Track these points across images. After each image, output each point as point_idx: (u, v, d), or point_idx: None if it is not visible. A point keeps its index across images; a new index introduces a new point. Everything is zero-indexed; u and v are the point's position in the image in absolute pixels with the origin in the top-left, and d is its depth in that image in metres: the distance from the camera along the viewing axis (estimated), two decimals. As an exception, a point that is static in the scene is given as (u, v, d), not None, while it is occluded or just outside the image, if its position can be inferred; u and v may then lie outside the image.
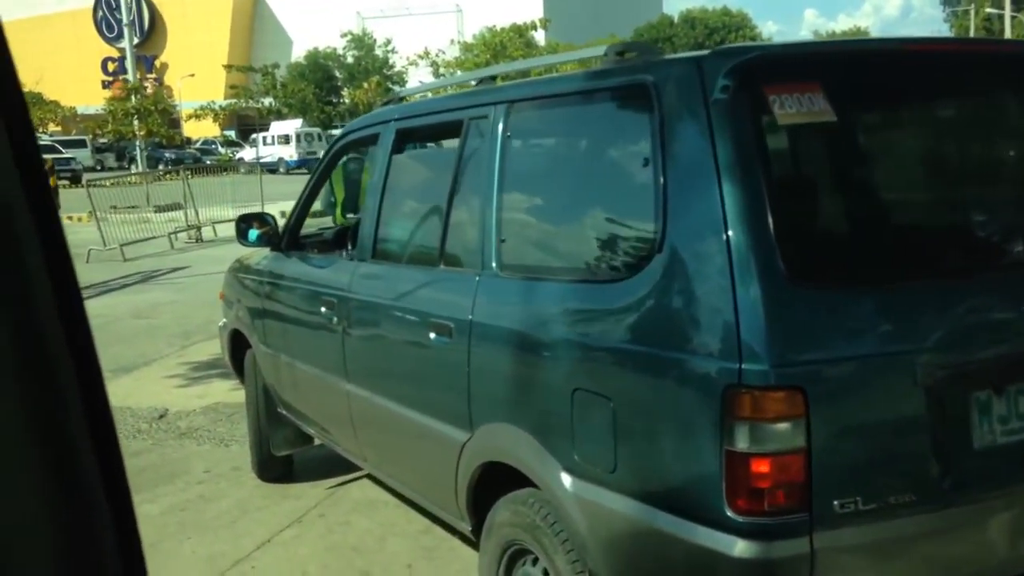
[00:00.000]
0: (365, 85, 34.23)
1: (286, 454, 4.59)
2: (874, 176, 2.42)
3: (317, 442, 4.55)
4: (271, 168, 21.24)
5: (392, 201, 3.44)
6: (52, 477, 0.54)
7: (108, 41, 59.05)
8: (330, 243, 4.49)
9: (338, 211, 7.11)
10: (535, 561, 2.63)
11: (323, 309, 3.67)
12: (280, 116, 46.96)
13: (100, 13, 60.51)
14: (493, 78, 3.08)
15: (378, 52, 51.91)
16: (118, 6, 48.37)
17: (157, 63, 59.20)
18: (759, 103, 2.05)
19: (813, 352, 1.95)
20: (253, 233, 4.26)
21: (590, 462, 2.28)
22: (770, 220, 1.94)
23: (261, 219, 4.31)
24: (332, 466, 4.83)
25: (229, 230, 17.10)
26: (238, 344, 4.79)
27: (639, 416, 2.16)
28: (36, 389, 0.54)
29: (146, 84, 36.84)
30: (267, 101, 47.81)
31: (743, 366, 1.88)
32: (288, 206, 19.34)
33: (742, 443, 1.90)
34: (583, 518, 2.31)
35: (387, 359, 3.32)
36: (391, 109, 3.62)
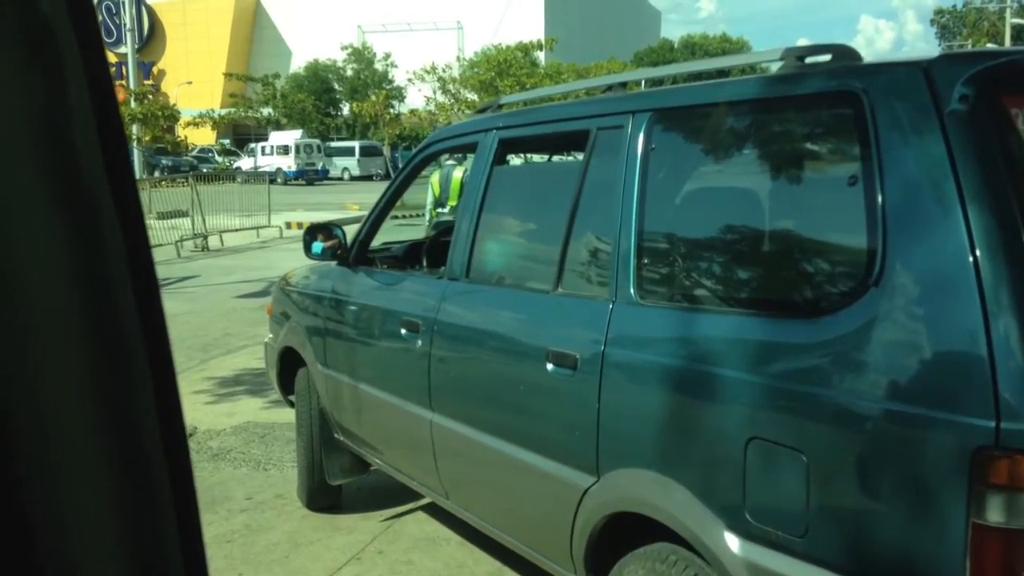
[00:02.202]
0: (373, 97, 33.93)
1: (340, 483, 4.27)
2: None
3: (372, 469, 4.25)
4: (269, 178, 20.87)
5: (493, 217, 3.15)
6: (122, 480, 0.53)
7: (107, 46, 58.56)
8: (402, 259, 4.19)
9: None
10: (673, 626, 2.33)
11: (403, 331, 3.37)
12: (279, 126, 46.73)
13: (100, 18, 59.97)
14: (624, 85, 2.80)
15: (378, 66, 51.81)
16: (118, 11, 48.11)
17: (155, 69, 58.77)
18: (1001, 116, 1.79)
19: None
20: (317, 246, 3.95)
21: (768, 523, 1.98)
22: None
23: (327, 231, 4.00)
24: (381, 497, 4.54)
25: (236, 239, 16.92)
26: (287, 363, 4.47)
27: (846, 476, 1.86)
28: (116, 390, 0.52)
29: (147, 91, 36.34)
30: (266, 111, 47.67)
31: (1002, 425, 1.60)
32: (292, 216, 19.28)
33: (995, 516, 1.61)
34: (756, 586, 2.02)
35: (486, 390, 3.01)
36: (492, 117, 3.33)
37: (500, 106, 3.44)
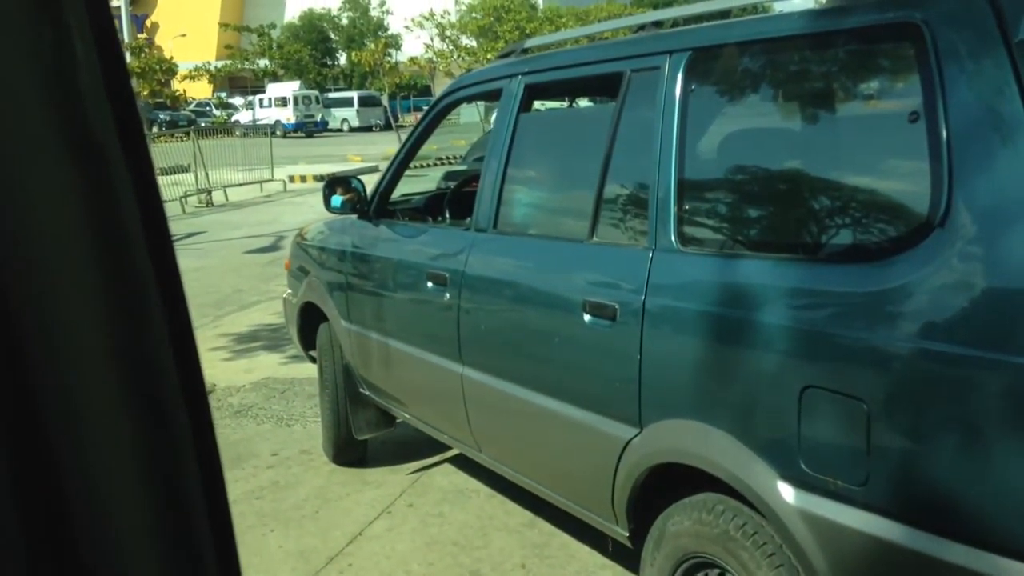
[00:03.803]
0: (372, 46, 33.38)
1: (367, 437, 4.25)
2: None
3: (397, 422, 4.23)
4: (269, 131, 20.62)
5: (520, 166, 3.06)
6: (144, 432, 0.52)
7: (100, 0, 57.50)
8: (422, 211, 4.11)
9: None
10: (721, 575, 2.32)
11: (430, 284, 3.31)
12: (276, 78, 46.18)
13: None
14: (659, 23, 2.69)
15: (374, 13, 50.99)
16: (109, -37, 47.29)
17: (148, 22, 57.85)
18: None
19: None
20: (337, 199, 3.87)
21: (826, 472, 1.94)
22: None
23: (347, 184, 3.91)
24: (407, 450, 4.53)
25: (240, 194, 16.80)
26: (308, 319, 4.43)
27: (908, 424, 1.81)
28: (132, 343, 0.52)
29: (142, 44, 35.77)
30: (263, 62, 47.08)
31: None
32: (295, 169, 19.20)
33: None
34: (812, 536, 1.98)
35: (519, 343, 2.95)
36: (517, 62, 3.22)
37: (525, 50, 3.33)
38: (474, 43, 31.13)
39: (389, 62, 32.16)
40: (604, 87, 2.70)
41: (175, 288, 0.54)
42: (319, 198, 4.10)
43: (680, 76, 2.40)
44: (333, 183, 3.94)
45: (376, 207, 3.85)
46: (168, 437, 0.54)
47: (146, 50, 31.36)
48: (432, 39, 31.93)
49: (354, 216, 3.96)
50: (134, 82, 26.87)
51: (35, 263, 0.47)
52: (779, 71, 2.28)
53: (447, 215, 3.98)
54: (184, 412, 0.54)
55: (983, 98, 1.73)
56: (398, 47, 40.11)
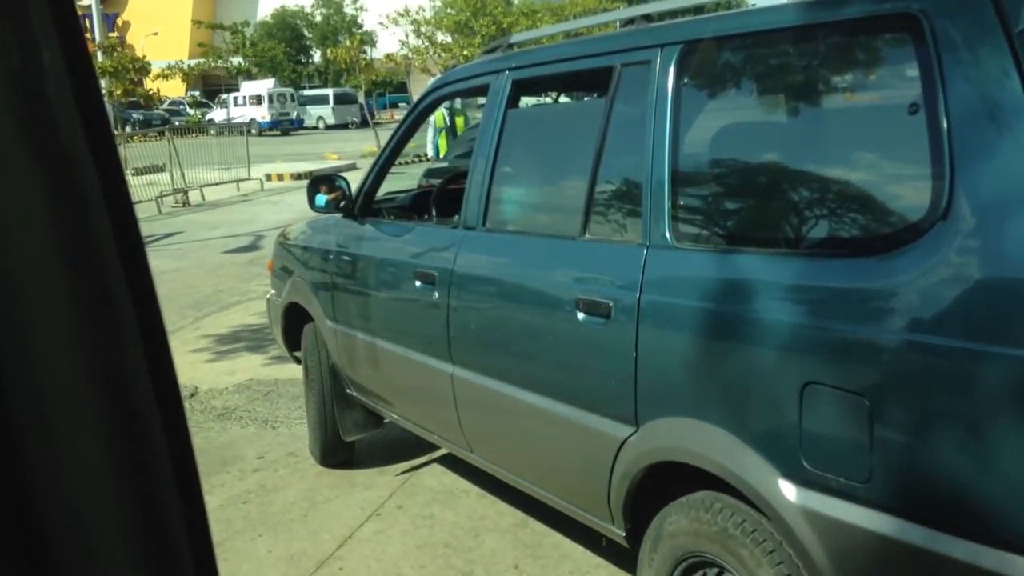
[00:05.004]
0: (348, 43, 33.14)
1: (355, 439, 4.20)
2: None
3: (385, 422, 4.19)
4: (244, 130, 20.33)
5: (509, 162, 3.02)
6: (116, 432, 0.52)
7: (69, -2, 56.71)
8: (409, 209, 4.06)
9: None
10: (719, 574, 2.30)
11: (418, 283, 3.26)
12: (250, 76, 45.78)
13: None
14: (648, 17, 2.66)
15: (347, 10, 50.68)
16: (78, -40, 46.66)
17: (119, 21, 57.17)
18: None
19: None
20: (321, 198, 3.81)
21: (828, 470, 1.92)
22: None
23: (330, 182, 3.85)
24: (395, 451, 4.49)
25: (217, 193, 16.62)
26: (292, 319, 4.37)
27: (910, 420, 1.79)
28: (103, 346, 0.52)
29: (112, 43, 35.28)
30: (236, 60, 46.67)
31: None
32: (272, 168, 19.04)
33: None
34: (814, 533, 1.96)
35: (511, 341, 2.92)
36: (504, 57, 3.18)
37: (511, 45, 3.29)
38: (449, 39, 30.99)
39: (364, 59, 31.94)
40: (594, 82, 2.67)
41: (147, 292, 0.55)
42: (297, 196, 4.08)
43: (672, 70, 2.38)
44: (317, 182, 3.89)
45: (361, 206, 3.80)
46: (141, 440, 0.54)
47: (118, 49, 30.93)
48: (407, 35, 31.76)
49: (338, 215, 3.90)
50: (106, 81, 26.53)
51: (2, 271, 0.47)
52: (774, 63, 2.26)
53: (434, 213, 3.94)
54: (157, 414, 0.54)
55: (983, 89, 1.71)
56: (373, 44, 39.91)
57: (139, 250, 0.55)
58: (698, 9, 2.73)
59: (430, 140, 11.37)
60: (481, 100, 3.36)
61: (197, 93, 50.38)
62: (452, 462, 4.21)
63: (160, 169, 16.12)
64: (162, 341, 0.55)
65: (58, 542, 0.49)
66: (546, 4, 37.10)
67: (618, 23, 3.10)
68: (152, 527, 0.55)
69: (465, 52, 27.51)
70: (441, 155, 10.44)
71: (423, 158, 11.82)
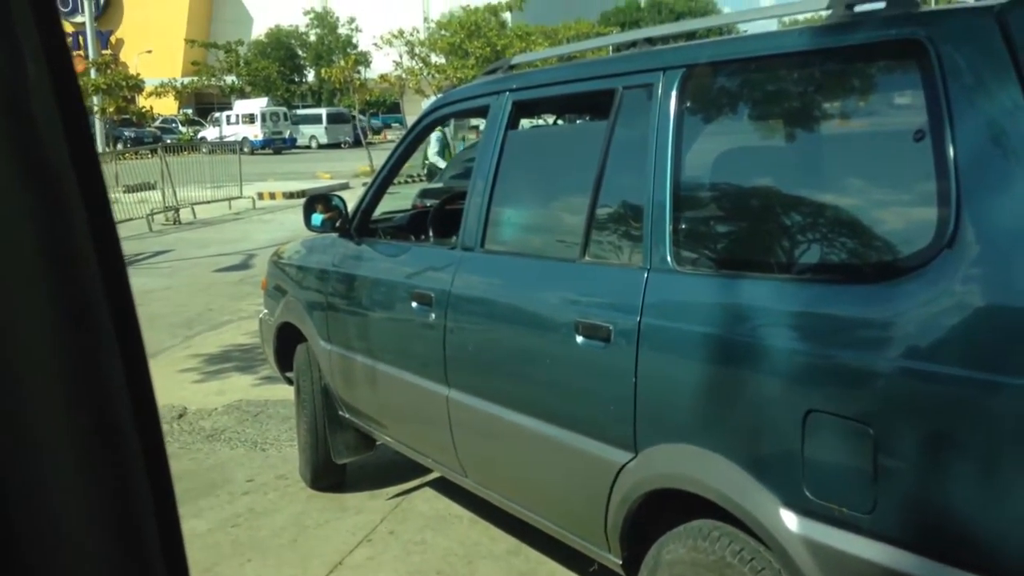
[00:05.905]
0: (342, 62, 33.22)
1: (346, 461, 4.15)
2: None
3: (377, 445, 4.14)
4: (236, 148, 20.30)
5: (509, 184, 3.00)
6: (92, 451, 0.52)
7: (63, 16, 56.82)
8: (405, 229, 4.03)
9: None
10: (718, 604, 2.25)
11: (415, 305, 3.23)
12: (243, 94, 45.84)
13: (53, -14, 58.12)
14: (651, 40, 2.65)
15: (342, 31, 50.87)
16: (73, -21, 46.76)
17: (113, 38, 57.20)
18: None
19: None
20: (317, 218, 3.78)
21: (831, 499, 1.89)
22: None
23: (326, 201, 3.82)
24: (386, 474, 4.43)
25: (209, 211, 16.57)
26: (285, 339, 4.32)
27: (914, 449, 1.76)
28: (81, 357, 0.52)
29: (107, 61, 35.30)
30: (230, 79, 46.74)
31: None
32: (264, 187, 19.02)
33: None
34: (816, 565, 1.92)
35: (509, 365, 2.88)
36: (504, 78, 3.17)
37: (511, 67, 3.28)
38: (443, 60, 31.11)
39: (359, 79, 32.03)
40: (595, 104, 2.66)
41: (127, 307, 0.55)
42: (289, 215, 4.07)
43: (674, 93, 2.36)
44: (313, 201, 3.86)
45: (358, 225, 3.77)
46: (118, 458, 0.54)
47: (111, 66, 30.94)
48: (401, 56, 31.85)
49: (333, 234, 3.87)
50: (99, 98, 26.50)
51: None
52: (778, 88, 2.24)
53: (431, 233, 3.91)
54: (135, 432, 0.54)
55: (990, 116, 1.70)
56: (367, 64, 40.04)
57: (120, 264, 0.55)
58: (690, 36, 2.73)
59: (435, 152, 11.42)
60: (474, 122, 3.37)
61: (190, 111, 50.39)
62: (445, 486, 4.16)
63: (151, 187, 16.06)
64: (140, 354, 0.55)
65: (34, 560, 0.48)
66: (540, 27, 37.33)
67: (611, 48, 3.09)
68: (128, 540, 0.54)
69: (459, 74, 27.60)
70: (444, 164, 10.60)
71: (417, 178, 11.84)
